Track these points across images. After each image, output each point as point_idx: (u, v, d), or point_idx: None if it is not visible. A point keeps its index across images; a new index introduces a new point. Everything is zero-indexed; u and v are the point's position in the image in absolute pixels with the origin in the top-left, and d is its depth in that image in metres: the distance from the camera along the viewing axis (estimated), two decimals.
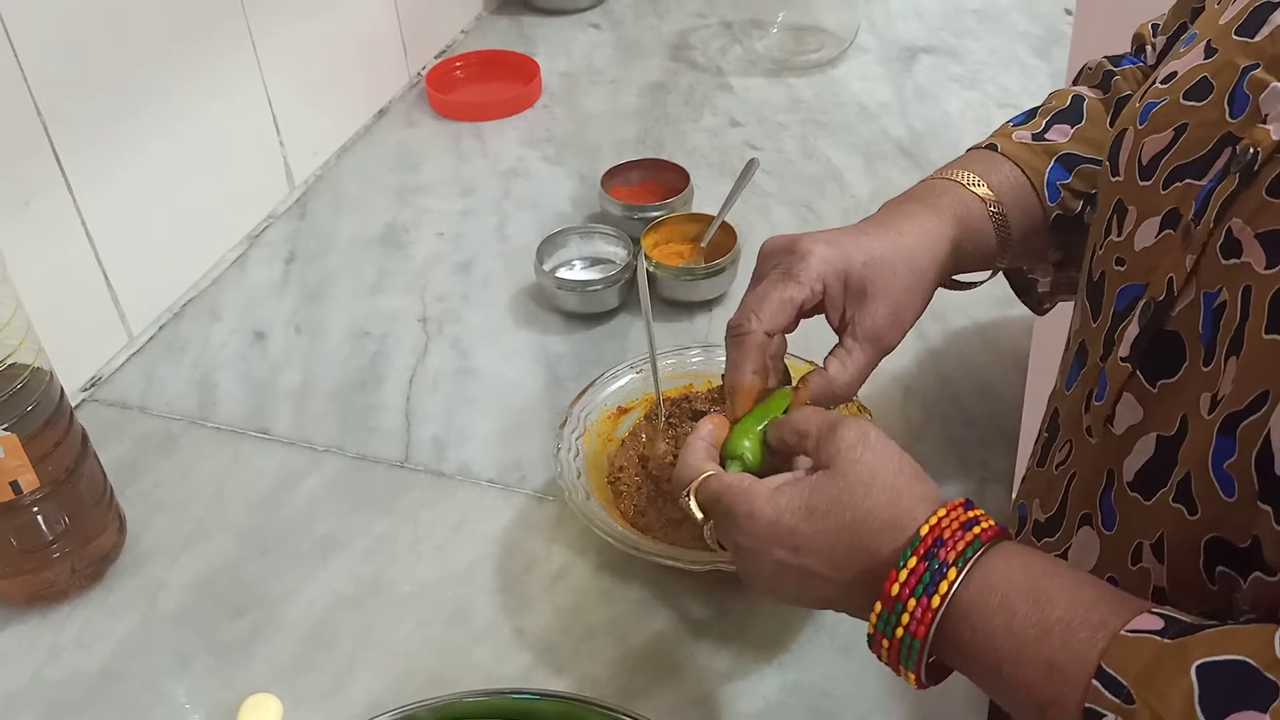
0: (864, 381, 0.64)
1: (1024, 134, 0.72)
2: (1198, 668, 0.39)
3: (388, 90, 1.23)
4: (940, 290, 0.91)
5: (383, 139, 1.17)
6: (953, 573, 0.47)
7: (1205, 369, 0.47)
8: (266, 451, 0.81)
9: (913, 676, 0.49)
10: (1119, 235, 0.56)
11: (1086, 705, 0.41)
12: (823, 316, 0.65)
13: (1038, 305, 0.79)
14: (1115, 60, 0.75)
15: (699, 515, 0.56)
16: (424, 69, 1.27)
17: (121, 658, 0.67)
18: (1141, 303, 0.52)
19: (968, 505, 0.50)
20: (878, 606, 0.49)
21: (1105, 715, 0.41)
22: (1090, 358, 0.57)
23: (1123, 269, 0.55)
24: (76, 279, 0.85)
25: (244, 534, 0.75)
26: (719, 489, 0.55)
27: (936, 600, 0.47)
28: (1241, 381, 0.44)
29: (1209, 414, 0.46)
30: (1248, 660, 0.39)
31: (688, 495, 0.57)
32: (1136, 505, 0.50)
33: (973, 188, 0.68)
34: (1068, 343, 0.63)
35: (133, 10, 0.84)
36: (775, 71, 1.26)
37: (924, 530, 0.49)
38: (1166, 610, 0.43)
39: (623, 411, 0.78)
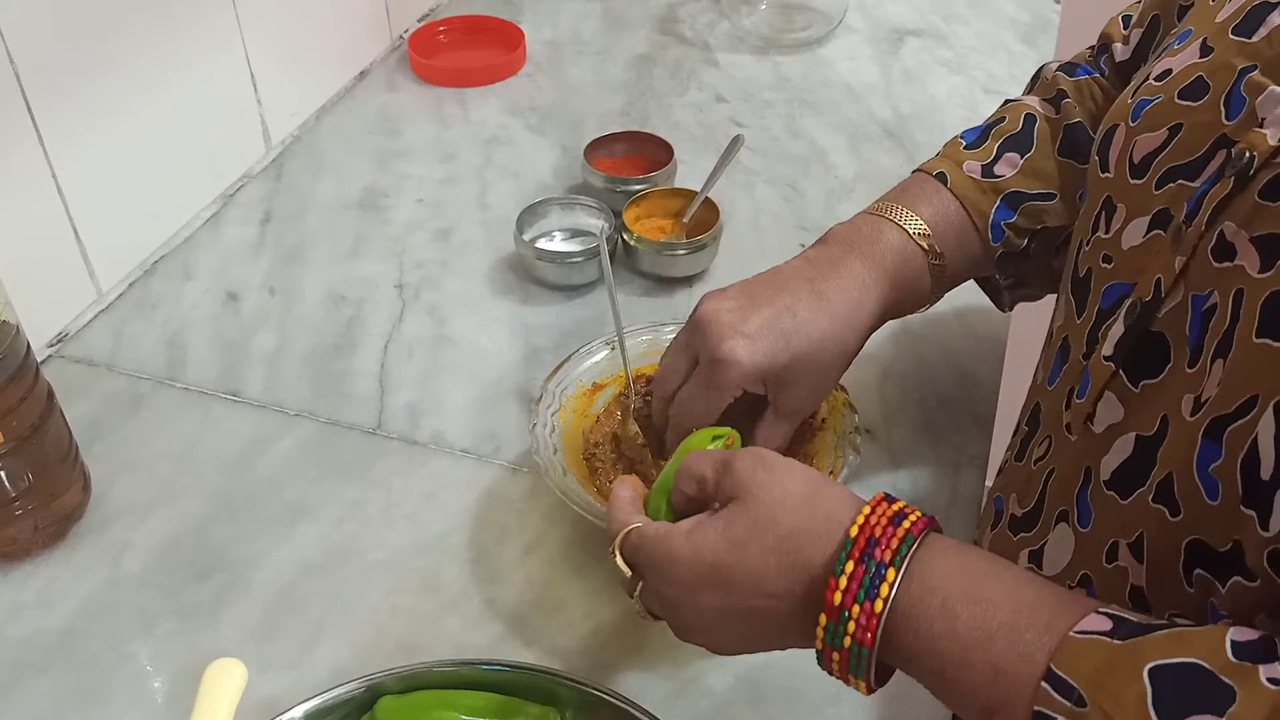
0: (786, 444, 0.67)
1: (974, 165, 0.71)
2: (1150, 670, 0.39)
3: (369, 52, 1.21)
4: None
5: (363, 102, 1.15)
6: (891, 573, 0.46)
7: (1190, 370, 0.47)
8: (237, 414, 0.80)
9: (863, 685, 0.48)
10: (1106, 232, 0.56)
11: (1036, 708, 0.41)
12: None
13: (1003, 306, 0.80)
14: (1070, 70, 0.74)
15: (627, 571, 0.55)
16: (406, 32, 1.25)
17: (84, 618, 0.66)
18: (1128, 302, 0.52)
19: (889, 499, 0.49)
20: (823, 619, 0.47)
21: (1055, 718, 0.40)
22: (1073, 354, 0.57)
23: (1110, 266, 0.55)
24: (46, 233, 0.83)
25: (212, 497, 0.74)
26: (638, 541, 0.54)
27: (879, 604, 0.46)
28: (1229, 385, 0.43)
29: (1191, 416, 0.46)
30: (1201, 663, 0.39)
31: (613, 552, 0.55)
32: (1112, 504, 0.50)
33: (915, 236, 0.68)
34: (1050, 336, 0.62)
35: None
36: (762, 49, 1.25)
37: (854, 531, 0.47)
38: (1114, 610, 0.43)
39: (598, 388, 0.77)
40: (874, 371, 0.84)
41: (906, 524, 0.47)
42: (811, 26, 1.26)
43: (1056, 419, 0.57)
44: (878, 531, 0.47)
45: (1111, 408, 0.52)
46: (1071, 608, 0.43)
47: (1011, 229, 0.70)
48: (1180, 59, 0.55)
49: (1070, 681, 0.40)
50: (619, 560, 0.55)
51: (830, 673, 0.49)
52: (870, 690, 0.48)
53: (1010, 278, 0.74)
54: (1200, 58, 0.53)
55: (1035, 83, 0.77)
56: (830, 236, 0.69)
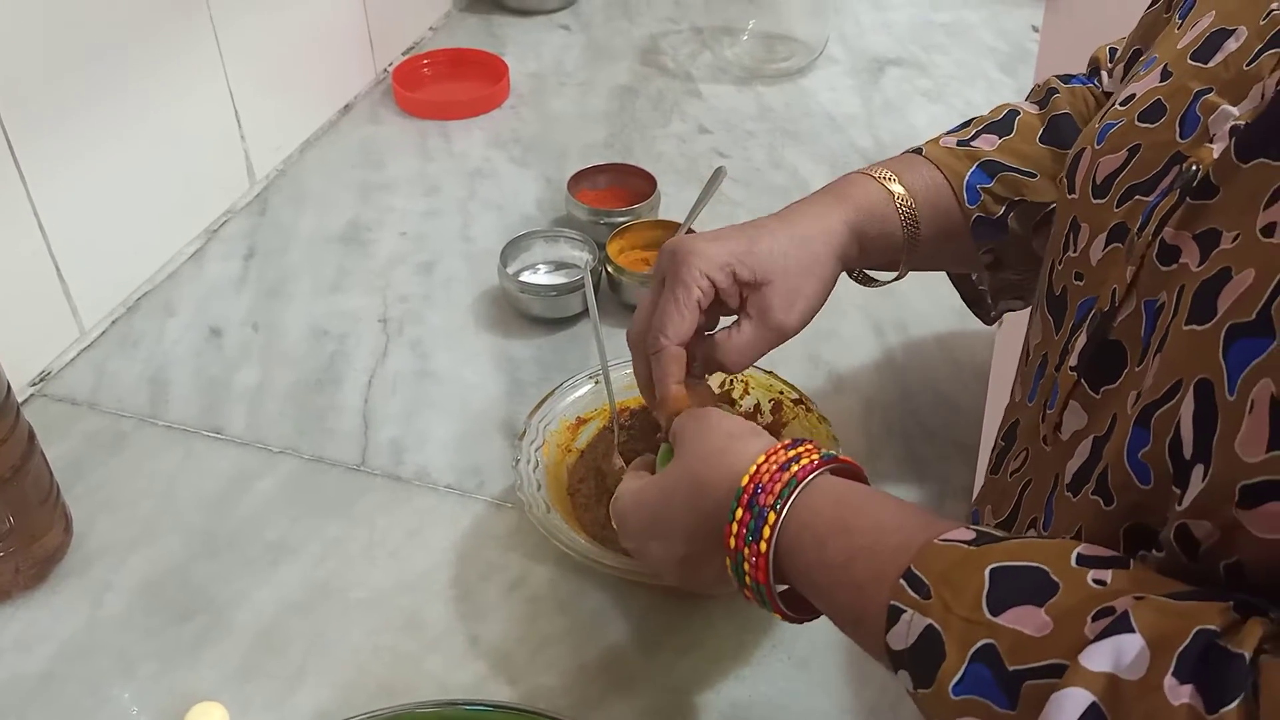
0: (756, 356, 0.66)
1: (950, 140, 0.74)
2: (992, 569, 0.43)
3: (353, 86, 1.22)
4: (902, 303, 0.92)
5: (347, 135, 1.16)
6: (772, 516, 0.51)
7: (1137, 370, 0.49)
8: (219, 451, 0.79)
9: (776, 614, 0.53)
10: (1075, 251, 0.57)
11: (891, 601, 0.45)
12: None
13: (987, 316, 0.81)
14: (1067, 78, 0.77)
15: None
16: (391, 65, 1.26)
17: (64, 661, 0.66)
18: (1090, 313, 0.54)
19: (791, 445, 0.54)
20: (728, 561, 0.53)
21: (905, 610, 0.44)
22: (1048, 369, 0.58)
23: (1081, 283, 0.57)
24: (27, 270, 0.83)
25: (193, 536, 0.73)
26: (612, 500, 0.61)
27: (763, 545, 0.51)
28: (1161, 374, 0.45)
29: (1131, 409, 0.47)
30: (1041, 566, 0.42)
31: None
32: (1067, 504, 0.52)
33: (885, 182, 0.70)
34: (1026, 355, 0.64)
35: (94, 1, 0.83)
36: (745, 79, 1.26)
37: (744, 480, 0.53)
38: (982, 528, 0.47)
39: (581, 422, 0.77)
40: (857, 402, 0.84)
41: (795, 468, 0.52)
42: (793, 57, 1.27)
43: (1034, 432, 0.59)
44: (765, 479, 0.52)
45: (1076, 415, 0.53)
46: (932, 527, 0.47)
47: (988, 194, 0.71)
48: (1143, 84, 0.57)
49: (922, 577, 0.44)
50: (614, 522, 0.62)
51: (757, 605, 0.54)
52: (791, 620, 0.54)
53: (989, 252, 0.74)
54: (1160, 82, 0.56)
55: (1031, 92, 0.79)
56: (800, 199, 0.71)
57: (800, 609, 0.54)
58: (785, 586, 0.53)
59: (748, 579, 0.53)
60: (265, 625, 0.68)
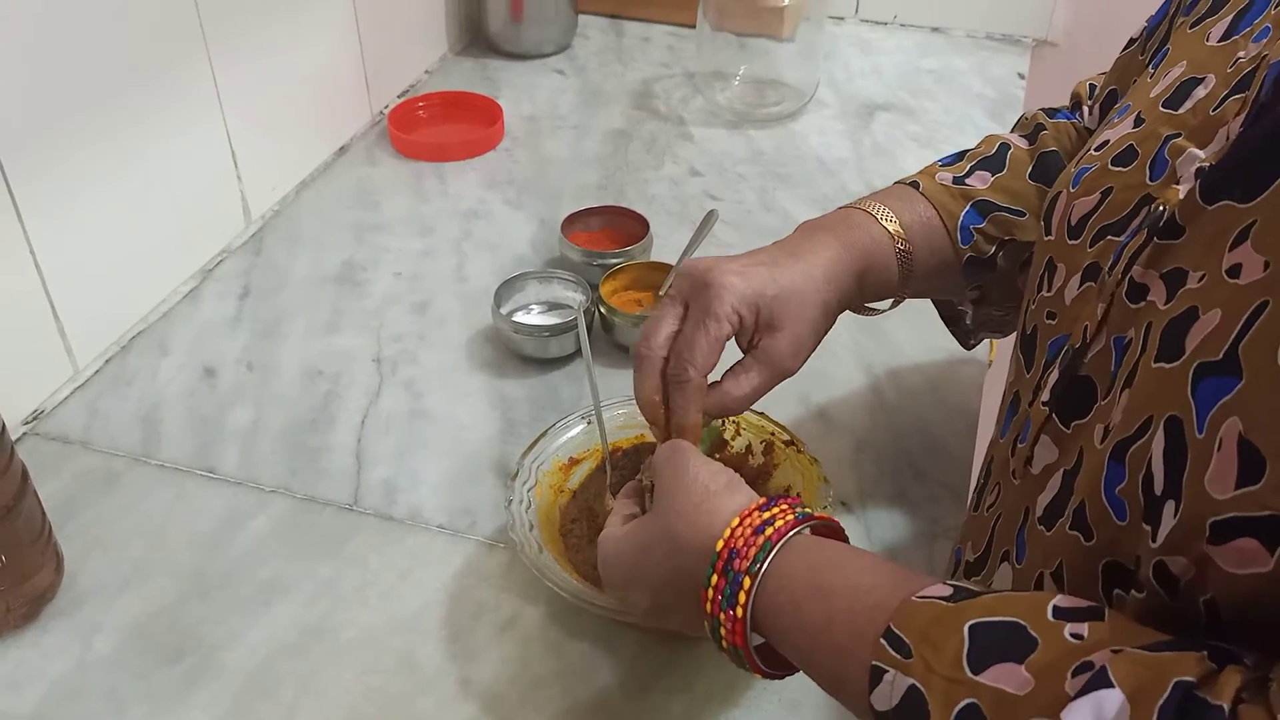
0: (756, 400, 0.67)
1: (946, 175, 0.75)
2: (970, 626, 0.43)
3: (349, 128, 1.23)
4: (894, 346, 0.93)
5: (342, 176, 1.17)
6: (747, 581, 0.52)
7: (1104, 404, 0.50)
8: (211, 491, 0.79)
9: (756, 674, 0.54)
10: (1049, 291, 0.59)
11: (873, 662, 0.45)
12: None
13: (965, 339, 0.83)
14: (1051, 113, 0.78)
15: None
16: (386, 108, 1.27)
17: (53, 701, 0.65)
18: (1063, 350, 0.55)
19: (766, 505, 0.54)
20: (705, 623, 0.54)
21: (887, 671, 0.44)
22: (1021, 406, 0.59)
23: (1053, 322, 0.58)
24: (22, 308, 0.83)
25: (185, 576, 0.73)
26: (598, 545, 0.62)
27: (739, 611, 0.52)
28: (1131, 410, 0.46)
29: (1100, 443, 0.48)
30: (1019, 621, 0.42)
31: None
32: (1040, 537, 0.52)
33: (884, 222, 0.71)
34: (1004, 394, 0.65)
35: (93, 41, 0.84)
36: (736, 123, 1.28)
37: (719, 545, 0.53)
38: (959, 582, 0.47)
39: (574, 462, 0.77)
40: (848, 444, 0.84)
41: (769, 531, 0.53)
42: (784, 101, 1.29)
43: (1005, 466, 0.60)
44: (739, 544, 0.53)
45: (1047, 449, 0.54)
46: (909, 584, 0.47)
47: (980, 234, 0.73)
48: (1117, 130, 0.59)
49: (902, 636, 0.44)
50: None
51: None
52: (767, 676, 0.54)
53: (976, 289, 0.76)
54: (1133, 128, 0.58)
55: (1017, 124, 0.81)
56: (800, 226, 0.72)
57: (777, 665, 0.54)
58: (762, 640, 0.53)
59: (725, 642, 0.53)
60: (256, 666, 0.68)
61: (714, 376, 0.66)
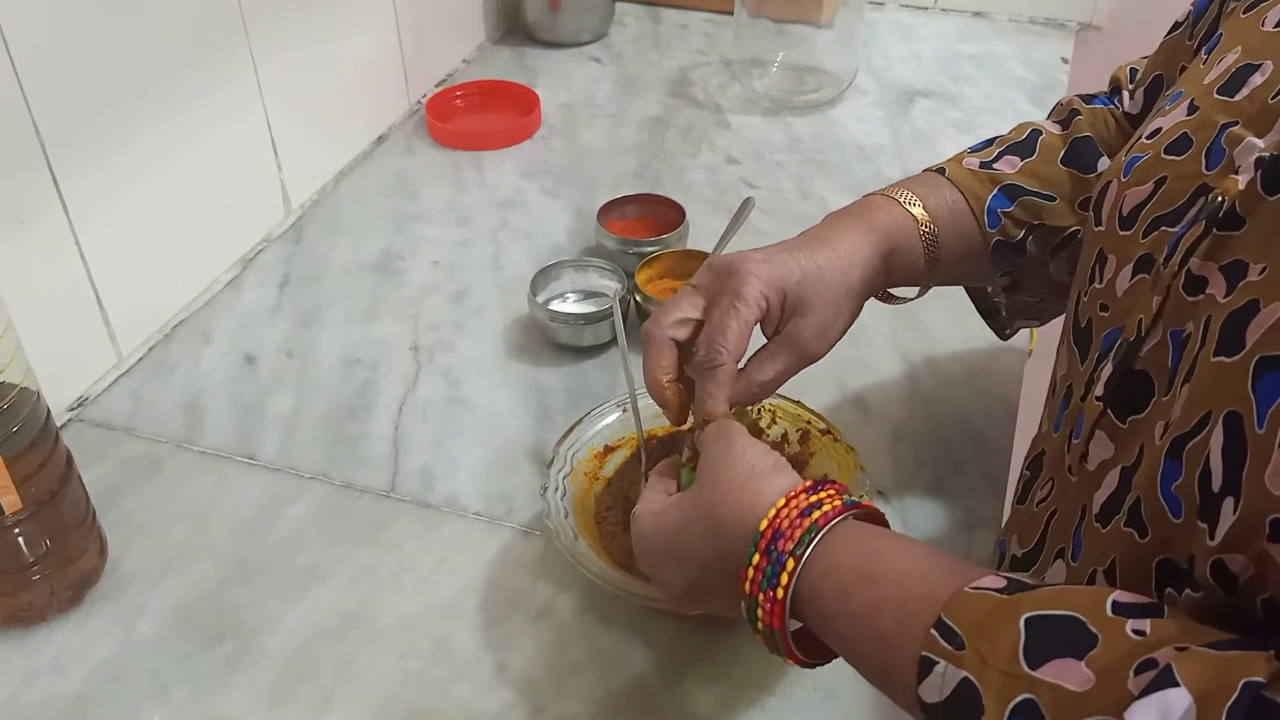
0: (781, 385, 0.67)
1: (974, 161, 0.74)
2: (1026, 619, 0.42)
3: (387, 117, 1.24)
4: (931, 334, 0.92)
5: (381, 165, 1.17)
6: (791, 563, 0.50)
7: (1164, 400, 0.49)
8: (252, 477, 0.80)
9: (790, 660, 0.53)
10: (1100, 282, 0.58)
11: (923, 653, 0.44)
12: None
13: (1001, 329, 0.82)
14: (1088, 99, 0.77)
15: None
16: (424, 97, 1.28)
17: (97, 683, 0.67)
18: (1117, 343, 0.54)
19: (814, 489, 0.53)
20: (743, 604, 0.53)
21: (938, 662, 0.43)
22: (1073, 399, 0.58)
23: (1107, 314, 0.57)
24: (68, 298, 0.85)
25: (226, 560, 0.74)
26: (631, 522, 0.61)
27: (780, 592, 0.51)
28: (1189, 405, 0.45)
29: (1159, 440, 0.47)
30: (1077, 615, 0.41)
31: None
32: (1096, 535, 0.52)
33: (909, 206, 0.71)
34: (1053, 387, 0.64)
35: (137, 34, 0.85)
36: (774, 110, 1.27)
37: (763, 525, 0.52)
38: (1012, 574, 0.46)
39: (609, 450, 0.77)
40: (885, 433, 0.84)
41: (816, 514, 0.52)
42: (822, 88, 1.28)
43: (1059, 462, 0.58)
44: (784, 525, 0.52)
45: (1103, 445, 0.53)
46: (960, 575, 0.46)
47: (1008, 218, 0.72)
48: (1169, 118, 0.58)
49: (955, 628, 0.43)
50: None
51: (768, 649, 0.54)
52: (807, 665, 0.53)
53: (1006, 274, 0.75)
54: (1187, 116, 0.56)
55: (1053, 110, 0.79)
56: (825, 217, 0.72)
57: (812, 652, 0.53)
58: (799, 625, 0.52)
59: (760, 624, 0.52)
60: (296, 650, 0.68)
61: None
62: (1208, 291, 0.47)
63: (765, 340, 0.67)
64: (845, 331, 0.68)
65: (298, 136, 1.07)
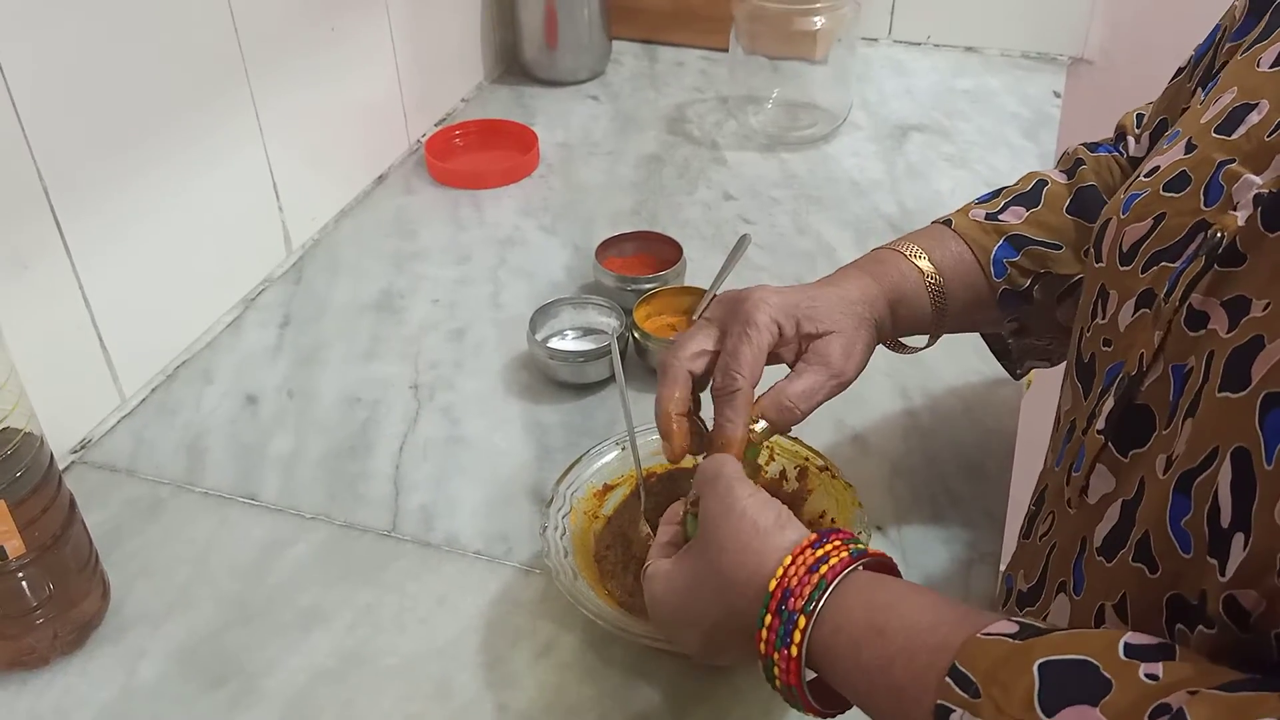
0: (818, 404, 0.67)
1: (980, 212, 0.76)
2: (1040, 665, 0.42)
3: (387, 157, 1.25)
4: (928, 369, 0.93)
5: (381, 205, 1.18)
6: (803, 620, 0.51)
7: (1165, 433, 0.49)
8: (253, 518, 0.81)
9: (809, 713, 0.53)
10: (1103, 318, 0.58)
11: (938, 701, 0.44)
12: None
13: (1013, 369, 0.83)
14: (1093, 146, 0.78)
15: None
16: (423, 136, 1.29)
17: None
18: (1119, 378, 0.54)
19: (819, 543, 0.54)
20: (760, 663, 0.53)
21: (954, 710, 0.43)
22: (1075, 433, 0.59)
23: (1109, 349, 0.57)
24: (71, 341, 0.85)
25: (227, 602, 0.74)
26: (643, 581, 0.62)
27: (794, 650, 0.51)
28: (1195, 440, 0.45)
29: (1164, 474, 0.48)
30: (1090, 659, 0.41)
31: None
32: (1100, 569, 0.52)
33: (915, 259, 0.73)
34: (1057, 421, 0.64)
35: (138, 76, 0.86)
36: (769, 146, 1.28)
37: (772, 585, 0.53)
38: (1024, 619, 0.46)
39: (608, 488, 0.78)
40: (883, 468, 0.84)
41: (824, 569, 0.52)
42: (816, 124, 1.29)
43: (1059, 495, 0.59)
44: (793, 583, 0.52)
45: (1104, 478, 0.54)
46: (971, 622, 0.47)
47: (1014, 267, 0.73)
48: (1167, 156, 0.59)
49: (969, 675, 0.43)
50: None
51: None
52: (821, 714, 0.54)
53: (1014, 320, 0.77)
54: (1185, 154, 0.57)
55: (1059, 160, 0.81)
56: (836, 270, 0.74)
57: (831, 702, 0.53)
58: (814, 676, 0.53)
59: (778, 682, 0.53)
60: (297, 692, 0.68)
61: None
62: (1210, 326, 0.48)
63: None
64: (869, 355, 0.69)
65: (298, 177, 1.08)
